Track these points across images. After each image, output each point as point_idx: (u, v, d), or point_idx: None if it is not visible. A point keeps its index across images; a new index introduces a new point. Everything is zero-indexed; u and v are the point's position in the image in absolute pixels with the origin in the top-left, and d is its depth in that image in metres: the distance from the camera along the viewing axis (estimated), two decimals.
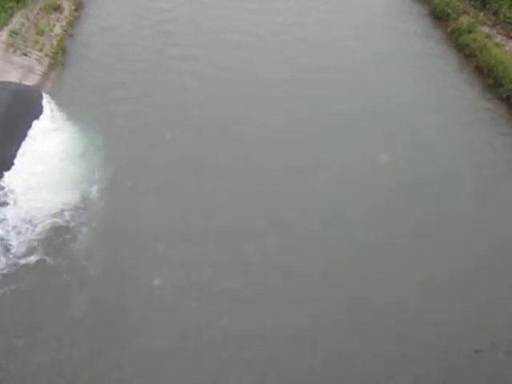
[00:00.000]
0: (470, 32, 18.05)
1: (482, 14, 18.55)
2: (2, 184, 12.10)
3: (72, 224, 11.72)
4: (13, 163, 12.62)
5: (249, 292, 10.77)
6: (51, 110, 14.36)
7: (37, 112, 14.07)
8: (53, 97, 14.75)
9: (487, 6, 18.49)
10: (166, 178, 13.04)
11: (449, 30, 18.82)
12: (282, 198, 12.75)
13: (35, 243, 11.21)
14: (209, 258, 11.37)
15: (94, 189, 12.56)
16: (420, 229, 12.13)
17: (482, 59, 17.04)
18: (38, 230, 11.49)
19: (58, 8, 17.94)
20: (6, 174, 12.34)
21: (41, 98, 14.50)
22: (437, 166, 13.85)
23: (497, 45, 17.32)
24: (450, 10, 19.16)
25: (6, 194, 11.98)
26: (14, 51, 15.40)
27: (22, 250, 11.08)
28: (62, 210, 11.94)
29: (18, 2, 16.81)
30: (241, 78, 16.49)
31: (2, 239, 11.18)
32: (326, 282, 11.08)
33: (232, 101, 15.44)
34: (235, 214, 12.26)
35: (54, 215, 11.82)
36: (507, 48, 17.17)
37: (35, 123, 13.77)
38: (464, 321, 10.52)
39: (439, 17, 19.59)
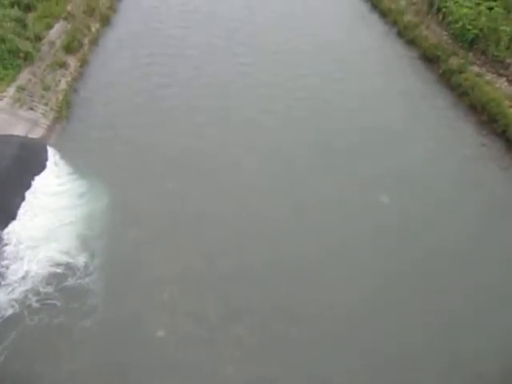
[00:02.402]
0: (460, 72, 18.63)
1: (470, 54, 19.21)
2: (5, 235, 12.17)
3: (73, 274, 11.70)
4: (16, 214, 12.77)
5: (253, 340, 10.62)
6: (55, 162, 14.65)
7: (41, 164, 14.39)
8: (57, 149, 15.10)
9: (475, 47, 19.16)
10: (169, 227, 13.09)
11: (440, 71, 19.45)
12: (281, 240, 12.78)
13: (34, 292, 11.19)
14: (212, 305, 11.28)
15: (97, 239, 12.59)
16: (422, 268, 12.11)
17: (475, 97, 17.50)
18: (38, 279, 11.49)
19: (63, 64, 18.68)
20: (10, 224, 12.46)
21: (45, 150, 14.84)
22: (438, 203, 13.93)
23: (488, 83, 17.83)
24: (439, 53, 19.87)
25: (8, 245, 12.03)
26: (21, 106, 15.91)
27: (23, 297, 11.06)
28: (64, 260, 11.96)
29: (25, 60, 17.50)
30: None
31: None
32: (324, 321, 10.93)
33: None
34: (236, 261, 12.25)
35: (56, 265, 11.84)
36: (498, 85, 17.67)
37: (40, 175, 14.03)
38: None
39: (430, 59, 20.29)
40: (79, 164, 14.66)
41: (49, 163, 14.51)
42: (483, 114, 17.00)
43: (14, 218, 12.69)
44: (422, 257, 12.35)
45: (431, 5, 22.25)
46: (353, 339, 10.70)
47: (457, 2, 20.90)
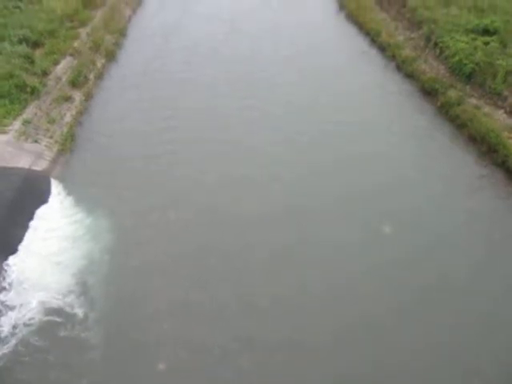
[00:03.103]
0: (459, 104, 18.89)
1: (468, 87, 19.54)
2: (6, 267, 12.11)
3: (73, 307, 11.55)
4: (18, 247, 12.73)
5: (258, 372, 10.37)
6: (59, 195, 14.73)
7: (44, 196, 14.46)
8: (60, 181, 15.23)
9: (472, 80, 19.50)
10: (171, 259, 12.97)
11: (439, 103, 19.73)
12: (282, 272, 12.68)
13: (33, 327, 11.02)
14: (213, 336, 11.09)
15: (98, 272, 12.48)
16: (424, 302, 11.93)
17: (474, 128, 17.69)
18: (35, 313, 11.31)
19: (69, 99, 19.11)
20: (11, 257, 12.40)
21: (49, 182, 14.97)
22: (440, 235, 13.83)
23: (486, 114, 18.05)
24: (437, 86, 20.22)
25: (8, 277, 11.94)
26: (26, 139, 16.16)
27: (17, 332, 10.86)
28: (64, 294, 11.83)
29: (32, 94, 17.90)
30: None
31: None
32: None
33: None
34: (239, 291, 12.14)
35: (57, 298, 11.71)
36: (496, 117, 17.87)
37: (43, 208, 14.06)
38: None
39: (428, 92, 20.63)
40: (82, 196, 14.72)
41: (51, 195, 14.61)
42: (483, 144, 17.14)
43: (13, 249, 12.65)
44: (421, 290, 12.19)
45: (428, 40, 22.80)
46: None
47: (453, 37, 21.41)
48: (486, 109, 18.33)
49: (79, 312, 11.50)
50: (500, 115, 17.93)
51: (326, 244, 13.46)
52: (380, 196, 15.06)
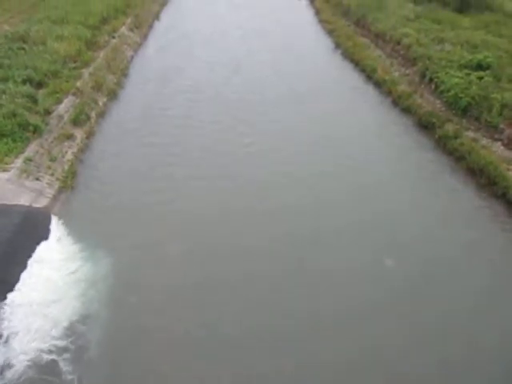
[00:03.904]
0: (456, 137, 19.11)
1: (464, 120, 19.83)
2: (3, 306, 11.93)
3: (71, 349, 11.26)
4: (15, 286, 12.54)
5: None
6: (58, 232, 14.66)
7: (44, 234, 14.38)
8: (61, 218, 15.18)
9: (468, 114, 19.80)
10: (172, 300, 12.80)
11: (436, 136, 19.97)
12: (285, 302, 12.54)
13: (31, 368, 10.75)
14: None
15: (96, 313, 12.27)
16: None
17: (472, 161, 17.83)
18: (33, 355, 11.02)
19: (70, 136, 19.32)
20: (9, 296, 12.24)
21: (49, 220, 14.93)
22: (442, 267, 13.74)
23: (484, 147, 18.24)
24: (434, 119, 20.53)
25: (4, 318, 11.75)
26: (27, 176, 16.24)
27: (16, 370, 10.62)
28: (62, 334, 11.58)
29: (34, 132, 18.09)
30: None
31: None
32: None
33: None
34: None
35: (55, 338, 11.46)
36: (494, 149, 18.06)
37: (42, 245, 13.95)
38: None
39: (425, 126, 20.92)
40: (82, 233, 14.64)
41: (51, 233, 14.53)
42: (482, 177, 17.23)
43: (11, 287, 12.47)
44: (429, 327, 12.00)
45: (423, 75, 23.33)
46: None
47: (448, 72, 21.91)
48: (484, 141, 18.54)
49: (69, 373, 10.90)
50: (498, 147, 18.12)
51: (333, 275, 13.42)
52: (378, 229, 15.05)
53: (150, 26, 38.19)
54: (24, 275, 12.88)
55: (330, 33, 34.64)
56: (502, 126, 18.50)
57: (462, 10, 30.68)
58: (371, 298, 12.65)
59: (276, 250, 14.33)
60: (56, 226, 14.81)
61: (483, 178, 17.16)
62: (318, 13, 40.20)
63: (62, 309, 12.26)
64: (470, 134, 19.16)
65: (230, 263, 13.86)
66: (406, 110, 22.43)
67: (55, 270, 13.35)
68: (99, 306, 12.42)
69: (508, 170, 16.89)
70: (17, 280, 12.69)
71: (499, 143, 18.27)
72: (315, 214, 15.77)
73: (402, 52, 26.63)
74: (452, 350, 11.44)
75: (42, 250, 13.86)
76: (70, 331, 11.70)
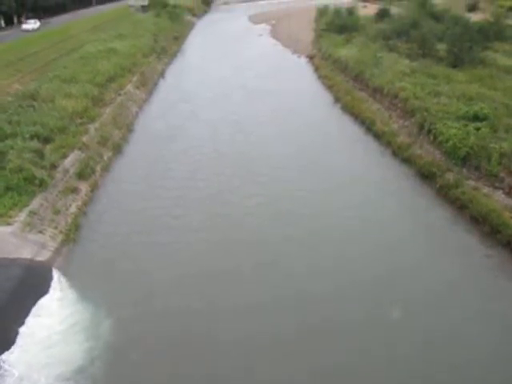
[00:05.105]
0: (457, 187, 19.20)
1: (464, 169, 20.00)
2: (1, 361, 11.67)
3: None
4: (16, 339, 12.36)
5: None
6: (60, 285, 14.55)
7: (45, 288, 14.27)
8: (62, 272, 15.10)
9: (468, 163, 20.01)
10: (172, 352, 12.57)
11: (437, 186, 20.07)
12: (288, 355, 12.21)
13: None
14: None
15: (96, 366, 12.02)
16: None
17: (475, 209, 17.80)
18: None
19: (75, 190, 19.59)
20: (10, 349, 12.03)
21: (51, 273, 14.85)
22: (451, 321, 13.43)
23: (485, 195, 18.28)
24: (434, 169, 20.72)
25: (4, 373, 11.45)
26: (30, 230, 16.31)
27: None
28: None
29: (40, 186, 18.38)
30: None
31: None
32: None
33: None
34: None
35: None
36: (496, 197, 18.08)
37: (42, 299, 13.83)
38: None
39: (425, 175, 21.09)
40: (83, 288, 14.54)
41: (52, 287, 14.41)
42: (485, 225, 17.16)
43: (11, 341, 12.26)
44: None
45: (421, 127, 23.78)
46: None
47: (445, 123, 22.35)
48: (485, 190, 18.60)
49: None
50: (499, 196, 18.15)
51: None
52: (386, 281, 14.85)
53: (155, 84, 39.66)
54: (22, 330, 12.64)
55: (330, 88, 35.78)
56: (502, 174, 18.63)
57: (455, 65, 31.73)
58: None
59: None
60: (57, 280, 14.68)
61: (486, 226, 17.08)
62: (317, 69, 41.71)
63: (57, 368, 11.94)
64: (471, 182, 19.27)
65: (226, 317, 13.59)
66: (407, 161, 22.70)
67: (54, 327, 13.14)
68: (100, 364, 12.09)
69: (511, 217, 16.84)
70: (15, 334, 12.47)
71: (500, 191, 18.32)
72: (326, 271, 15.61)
73: (399, 105, 27.31)
74: None
75: (43, 304, 13.69)
76: None
